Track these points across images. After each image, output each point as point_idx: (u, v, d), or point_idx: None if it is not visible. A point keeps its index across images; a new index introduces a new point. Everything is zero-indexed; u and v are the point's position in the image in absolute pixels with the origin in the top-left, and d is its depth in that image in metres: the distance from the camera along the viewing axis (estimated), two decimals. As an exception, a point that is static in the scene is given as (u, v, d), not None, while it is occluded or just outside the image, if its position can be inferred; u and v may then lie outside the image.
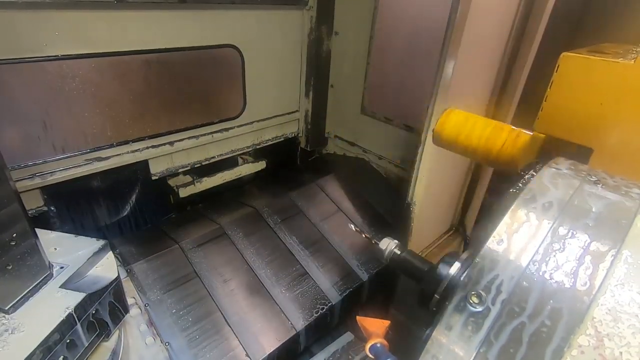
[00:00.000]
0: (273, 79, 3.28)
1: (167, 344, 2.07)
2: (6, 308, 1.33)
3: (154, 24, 2.40)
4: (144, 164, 2.74)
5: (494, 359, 0.71)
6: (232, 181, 3.30)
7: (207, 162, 3.13)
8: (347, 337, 2.49)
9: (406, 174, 3.27)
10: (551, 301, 0.70)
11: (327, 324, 2.61)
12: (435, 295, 1.04)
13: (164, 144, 2.76)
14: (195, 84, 2.80)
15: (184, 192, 3.00)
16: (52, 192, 2.38)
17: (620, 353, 0.65)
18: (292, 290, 2.55)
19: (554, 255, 0.73)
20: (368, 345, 1.13)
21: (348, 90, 3.51)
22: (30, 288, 1.41)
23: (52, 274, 1.49)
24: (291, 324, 2.35)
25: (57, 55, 2.09)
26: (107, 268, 1.61)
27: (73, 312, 1.38)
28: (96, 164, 2.48)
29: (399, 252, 1.22)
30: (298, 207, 3.11)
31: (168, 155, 2.85)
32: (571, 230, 0.74)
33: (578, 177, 0.83)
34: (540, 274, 0.73)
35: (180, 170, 2.98)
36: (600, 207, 0.76)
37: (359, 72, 3.36)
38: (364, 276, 2.77)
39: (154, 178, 2.83)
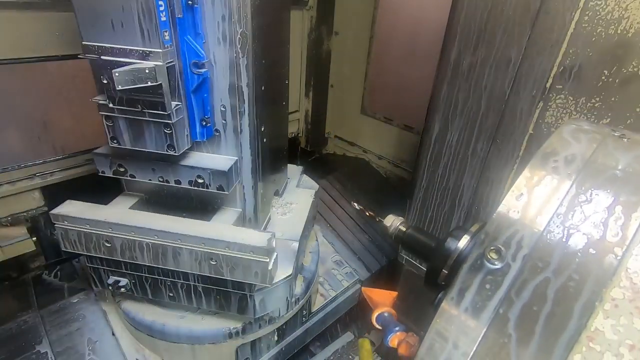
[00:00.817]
0: (273, 78, 3.26)
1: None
2: (280, 193, 2.28)
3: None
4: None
5: (515, 317, 0.65)
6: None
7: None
8: (347, 337, 2.41)
9: (406, 173, 3.22)
10: (579, 254, 0.64)
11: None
12: (444, 270, 0.97)
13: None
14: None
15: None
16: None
17: (659, 307, 0.59)
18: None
19: (580, 207, 0.67)
20: (375, 315, 1.06)
21: (348, 90, 3.48)
22: (284, 185, 2.36)
23: (288, 181, 2.43)
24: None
25: (57, 55, 2.05)
26: (308, 181, 2.53)
27: (313, 197, 2.32)
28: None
29: (404, 229, 1.15)
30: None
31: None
32: (598, 181, 0.68)
33: (601, 132, 0.78)
34: (566, 226, 0.66)
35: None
36: (628, 159, 0.70)
37: (358, 72, 3.34)
38: (364, 275, 2.70)
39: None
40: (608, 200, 0.66)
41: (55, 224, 1.65)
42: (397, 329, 0.98)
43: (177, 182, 1.67)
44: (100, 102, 1.45)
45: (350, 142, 3.63)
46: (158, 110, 1.40)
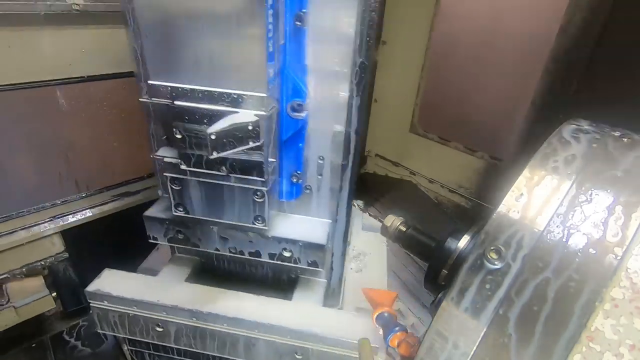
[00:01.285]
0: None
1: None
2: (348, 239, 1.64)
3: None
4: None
5: (515, 317, 0.65)
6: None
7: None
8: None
9: (464, 200, 2.98)
10: (579, 254, 0.63)
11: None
12: (444, 270, 0.96)
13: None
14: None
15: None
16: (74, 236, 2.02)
17: (661, 305, 0.57)
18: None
19: (580, 207, 0.66)
20: (374, 315, 1.06)
21: (395, 106, 3.28)
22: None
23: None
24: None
25: (83, 77, 1.82)
26: (372, 222, 1.98)
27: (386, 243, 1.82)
28: (126, 200, 2.16)
29: (404, 229, 1.14)
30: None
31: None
32: (598, 181, 0.67)
33: (601, 132, 0.76)
34: (566, 226, 0.65)
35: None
36: (629, 159, 0.69)
37: (409, 86, 3.10)
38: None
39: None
40: (608, 200, 0.65)
41: (90, 302, 1.35)
42: (397, 329, 0.98)
43: (255, 254, 1.33)
44: (166, 160, 1.11)
45: (394, 162, 3.44)
46: (252, 176, 1.09)
